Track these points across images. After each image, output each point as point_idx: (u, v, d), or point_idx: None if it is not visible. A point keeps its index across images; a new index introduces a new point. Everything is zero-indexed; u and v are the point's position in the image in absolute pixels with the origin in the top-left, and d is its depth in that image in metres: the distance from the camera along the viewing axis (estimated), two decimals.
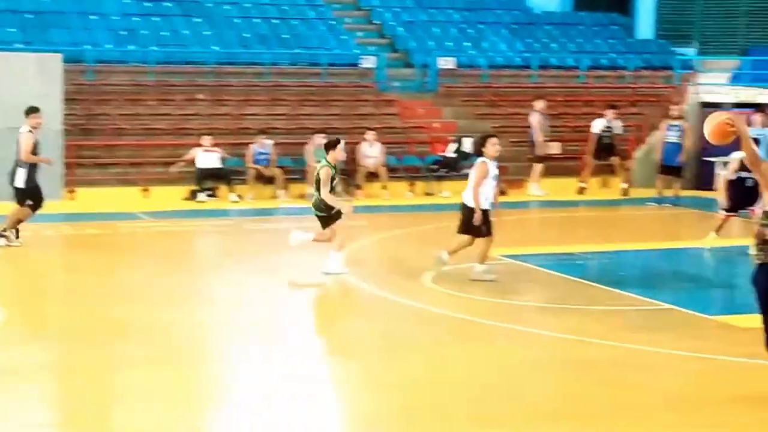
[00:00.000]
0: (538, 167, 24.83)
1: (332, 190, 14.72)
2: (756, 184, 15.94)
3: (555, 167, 25.18)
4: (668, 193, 23.37)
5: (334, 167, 14.80)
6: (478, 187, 14.41)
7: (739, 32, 31.94)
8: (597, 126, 24.84)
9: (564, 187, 24.58)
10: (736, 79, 28.68)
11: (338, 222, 14.88)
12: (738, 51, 31.23)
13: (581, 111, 27.46)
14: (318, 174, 14.78)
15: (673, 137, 23.69)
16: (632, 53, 30.99)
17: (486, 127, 26.69)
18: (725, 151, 25.49)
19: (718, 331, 12.12)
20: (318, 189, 14.73)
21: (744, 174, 16.49)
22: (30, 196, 17.04)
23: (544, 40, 31.47)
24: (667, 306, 13.26)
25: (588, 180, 24.93)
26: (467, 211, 14.56)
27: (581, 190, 24.68)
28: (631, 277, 15.27)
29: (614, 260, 16.53)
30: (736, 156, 20.99)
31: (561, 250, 17.22)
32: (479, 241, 14.65)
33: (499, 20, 32.02)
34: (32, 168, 17.02)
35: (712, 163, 25.73)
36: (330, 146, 14.89)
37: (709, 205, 23.39)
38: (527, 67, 29.57)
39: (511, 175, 25.34)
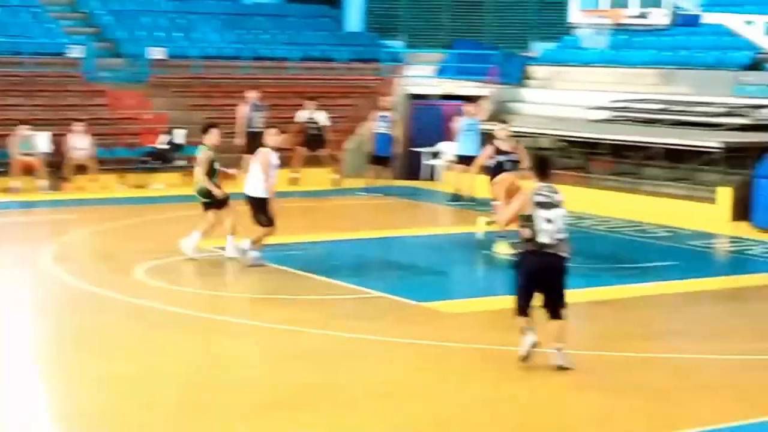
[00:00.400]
0: (246, 157, 24.58)
1: (213, 174, 15.27)
2: (513, 167, 16.45)
3: None
4: (378, 182, 23.82)
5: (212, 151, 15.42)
6: (268, 176, 14.96)
7: (444, 26, 32.88)
8: (301, 118, 25.04)
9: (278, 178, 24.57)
10: (442, 72, 29.51)
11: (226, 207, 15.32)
12: (443, 44, 32.13)
13: (293, 102, 27.56)
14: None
15: (382, 128, 24.16)
16: (342, 45, 31.38)
17: (198, 118, 26.47)
18: (432, 141, 26.37)
19: (425, 316, 12.41)
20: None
21: (501, 158, 16.88)
22: None
23: (255, 31, 31.43)
24: (379, 294, 13.50)
25: (299, 171, 25.07)
26: (254, 202, 15.00)
27: (293, 181, 24.80)
28: (344, 266, 15.45)
29: (327, 250, 16.69)
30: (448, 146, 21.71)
31: (275, 241, 17.22)
32: (257, 228, 14.94)
33: (211, 10, 31.77)
34: None
35: (420, 153, 26.44)
36: (204, 131, 15.65)
37: (417, 194, 24.06)
38: (239, 58, 29.47)
39: (222, 167, 25.14)
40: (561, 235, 10.46)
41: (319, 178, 24.92)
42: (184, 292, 13.28)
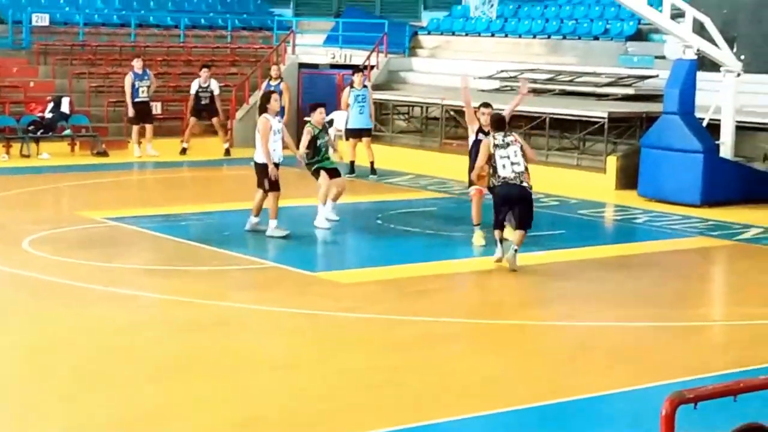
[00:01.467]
0: (135, 128, 24.30)
1: (319, 152, 15.88)
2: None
3: (158, 128, 24.86)
4: None
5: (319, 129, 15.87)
6: (267, 143, 14.97)
7: None
8: (194, 87, 24.75)
9: (168, 148, 24.35)
10: (331, 40, 29.45)
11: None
12: (332, 13, 32.06)
13: (182, 71, 27.32)
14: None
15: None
16: (231, 13, 31.12)
17: (84, 86, 26.08)
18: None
19: (319, 286, 12.44)
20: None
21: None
22: None
23: None
24: (270, 264, 13.48)
25: (190, 140, 24.82)
26: (260, 167, 15.18)
27: (184, 151, 24.55)
28: (236, 236, 15.35)
29: (219, 220, 16.59)
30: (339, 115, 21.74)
31: (166, 211, 17.09)
32: (269, 197, 15.09)
33: None
34: None
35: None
36: (311, 109, 16.07)
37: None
38: (126, 25, 29.04)
39: (112, 136, 24.87)
40: (519, 168, 13.34)
41: (210, 147, 24.72)
42: (73, 264, 13.09)
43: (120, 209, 16.98)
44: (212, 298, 11.52)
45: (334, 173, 16.22)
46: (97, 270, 12.90)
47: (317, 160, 15.99)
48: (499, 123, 13.76)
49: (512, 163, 13.33)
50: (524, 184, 13.31)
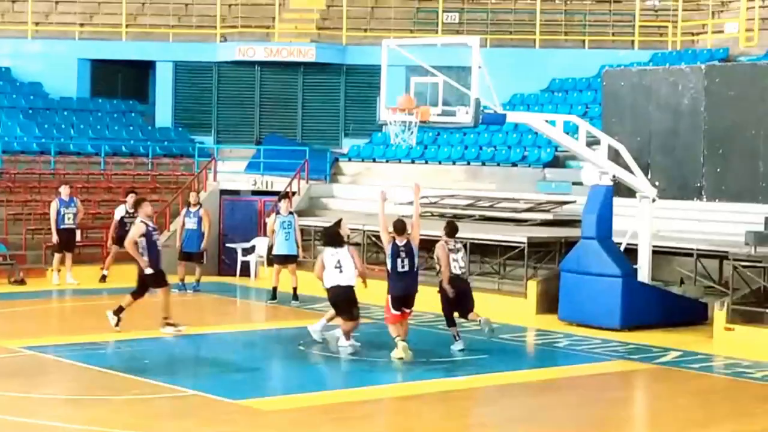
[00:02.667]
0: (57, 255, 24.13)
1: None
2: None
3: (78, 255, 24.65)
4: (190, 279, 23.57)
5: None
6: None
7: (254, 122, 33.06)
8: (119, 213, 24.66)
9: (87, 275, 24.14)
10: (252, 167, 29.62)
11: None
12: (253, 140, 32.31)
13: (102, 198, 27.24)
14: None
15: (191, 224, 23.90)
16: (152, 140, 31.20)
17: (2, 214, 25.84)
18: (245, 237, 26.35)
19: (241, 414, 12.30)
20: None
21: None
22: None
23: (62, 126, 30.96)
24: (191, 392, 13.31)
25: (110, 267, 24.61)
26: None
27: (103, 278, 24.34)
28: (155, 364, 15.18)
29: (138, 348, 16.39)
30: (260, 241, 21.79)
31: (84, 339, 16.86)
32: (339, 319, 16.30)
33: (14, 104, 31.16)
34: None
35: (233, 249, 26.36)
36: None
37: (231, 290, 23.94)
38: (45, 152, 28.95)
39: (30, 264, 24.61)
40: (465, 269, 16.69)
41: (130, 274, 24.44)
42: None
43: (38, 338, 16.72)
44: (133, 428, 11.33)
45: None
46: (15, 400, 12.65)
47: None
48: (451, 229, 16.71)
49: (461, 267, 16.45)
50: (467, 280, 16.99)
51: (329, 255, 16.03)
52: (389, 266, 15.90)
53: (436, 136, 29.15)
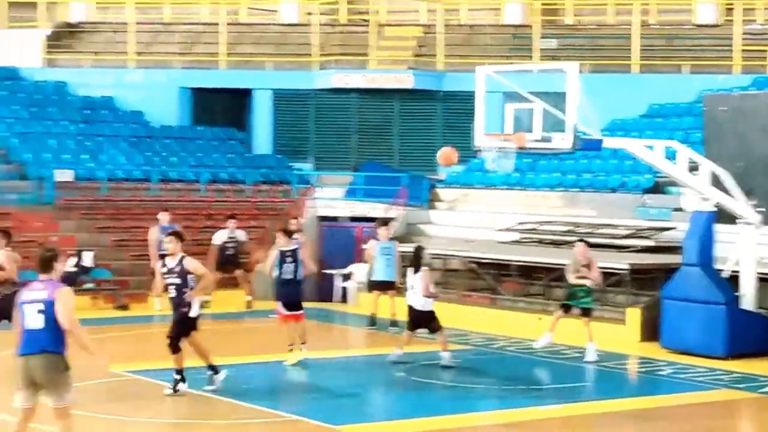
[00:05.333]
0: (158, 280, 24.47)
1: None
2: None
3: None
4: None
5: None
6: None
7: (352, 149, 33.24)
8: (219, 238, 24.97)
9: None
10: (350, 194, 29.77)
11: None
12: (351, 167, 32.47)
13: (203, 224, 27.55)
14: None
15: None
16: (250, 168, 31.53)
17: (106, 240, 26.31)
18: (343, 263, 26.47)
19: None
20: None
21: None
22: None
23: (163, 153, 31.43)
24: (291, 417, 13.39)
25: (212, 293, 24.87)
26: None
27: (206, 304, 24.57)
28: (256, 389, 15.31)
29: (239, 373, 16.53)
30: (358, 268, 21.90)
31: (186, 364, 17.03)
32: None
33: (118, 133, 31.76)
34: None
35: (331, 275, 26.50)
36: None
37: (329, 316, 24.05)
38: (147, 180, 29.44)
39: (133, 289, 24.99)
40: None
41: (232, 299, 24.81)
42: (91, 417, 13.02)
43: (141, 362, 16.96)
44: None
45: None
46: (119, 424, 12.84)
47: None
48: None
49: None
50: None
51: (408, 277, 17.46)
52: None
53: (533, 162, 29.03)
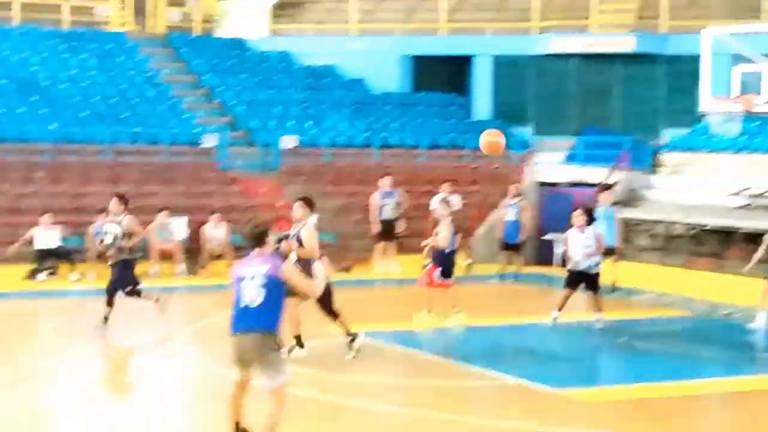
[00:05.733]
0: (379, 245, 24.94)
1: None
2: None
3: (400, 245, 25.32)
4: (510, 269, 23.80)
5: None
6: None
7: (572, 113, 32.91)
8: (436, 202, 25.14)
9: (409, 264, 24.75)
10: (571, 158, 29.49)
11: None
12: (572, 131, 32.14)
13: (423, 190, 27.78)
14: None
15: (512, 215, 24.15)
16: (470, 133, 31.57)
17: (330, 205, 26.84)
18: (562, 228, 26.24)
19: (561, 404, 12.30)
20: None
21: None
22: None
23: (384, 120, 31.87)
24: (512, 380, 13.41)
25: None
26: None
27: (425, 267, 24.82)
28: (477, 352, 15.40)
29: (461, 336, 16.67)
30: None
31: (408, 326, 17.29)
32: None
33: (341, 100, 32.35)
34: None
35: (551, 240, 26.32)
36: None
37: (549, 280, 23.90)
38: (369, 146, 29.88)
39: (356, 252, 25.45)
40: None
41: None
42: (320, 377, 13.35)
43: (363, 324, 17.25)
44: (450, 412, 11.53)
45: None
46: (342, 383, 13.13)
47: None
48: None
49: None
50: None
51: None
52: None
53: (761, 125, 28.09)
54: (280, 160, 28.32)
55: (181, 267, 23.60)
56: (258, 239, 9.75)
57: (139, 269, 22.81)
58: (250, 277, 9.53)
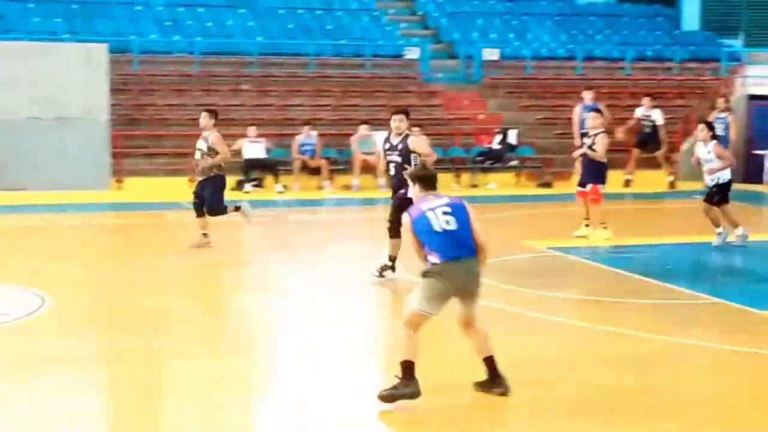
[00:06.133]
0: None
1: None
2: None
3: None
4: None
5: None
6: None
7: None
8: (636, 114, 24.77)
9: (611, 180, 24.36)
10: None
11: None
12: None
13: (627, 103, 27.25)
14: None
15: (719, 130, 23.41)
16: (678, 45, 30.74)
17: (531, 118, 26.65)
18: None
19: (765, 325, 11.98)
20: None
21: None
22: None
23: (588, 32, 31.29)
24: (713, 300, 13.13)
25: (633, 172, 24.74)
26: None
27: (627, 183, 24.49)
28: (678, 270, 15.13)
29: (662, 253, 16.39)
30: None
31: (607, 242, 17.10)
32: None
33: (544, 11, 31.88)
34: None
35: (762, 156, 25.52)
36: None
37: (759, 198, 23.20)
38: (572, 58, 29.41)
39: (557, 167, 25.22)
40: None
41: (653, 179, 24.51)
42: (514, 291, 13.37)
43: (562, 239, 17.16)
44: (647, 331, 11.36)
45: None
46: (538, 298, 13.11)
47: None
48: None
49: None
50: None
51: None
52: None
53: None
54: (482, 73, 28.16)
55: (382, 180, 23.85)
56: (431, 182, 9.06)
57: (340, 181, 23.33)
58: (433, 208, 8.83)
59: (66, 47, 24.05)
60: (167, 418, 8.72)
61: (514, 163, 25.06)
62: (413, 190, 9.14)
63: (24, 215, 19.87)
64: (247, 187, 23.24)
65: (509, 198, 22.63)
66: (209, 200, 16.06)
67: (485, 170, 24.88)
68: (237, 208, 16.51)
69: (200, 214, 16.20)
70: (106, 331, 11.52)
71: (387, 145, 13.85)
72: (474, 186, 24.50)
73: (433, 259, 8.77)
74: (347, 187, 23.80)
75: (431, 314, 8.82)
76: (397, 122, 13.75)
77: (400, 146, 13.69)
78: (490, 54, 28.55)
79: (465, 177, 24.84)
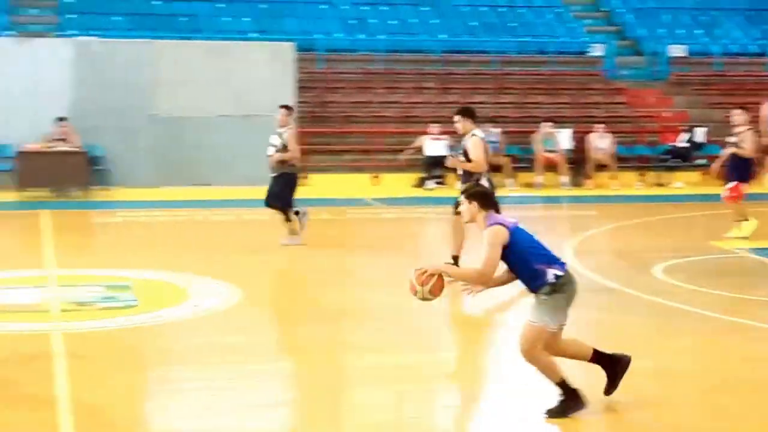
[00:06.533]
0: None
1: None
2: None
3: None
4: None
5: None
6: None
7: None
8: None
9: None
10: None
11: None
12: None
13: None
14: None
15: None
16: None
17: (719, 116, 25.99)
18: None
19: None
20: None
21: None
22: None
23: None
24: None
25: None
26: None
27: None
28: None
29: None
30: None
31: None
32: None
33: (735, 6, 31.05)
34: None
35: None
36: None
37: None
38: (764, 54, 28.58)
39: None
40: None
41: None
42: (702, 292, 13.05)
43: (757, 241, 16.66)
44: None
45: None
46: (729, 300, 12.76)
47: None
48: None
49: None
50: None
51: None
52: None
53: None
54: (669, 69, 27.61)
55: (565, 178, 23.64)
56: (490, 202, 8.35)
57: (522, 178, 23.20)
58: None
59: (254, 46, 24.57)
60: (352, 409, 8.78)
61: (701, 161, 24.48)
62: (469, 210, 8.30)
63: (213, 210, 20.36)
64: (430, 184, 23.32)
65: (697, 197, 22.12)
66: (276, 194, 15.98)
67: (671, 169, 24.37)
68: (297, 213, 16.29)
69: (284, 216, 16.08)
70: (293, 324, 11.70)
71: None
72: (659, 185, 24.02)
73: (556, 271, 8.47)
74: (530, 185, 23.65)
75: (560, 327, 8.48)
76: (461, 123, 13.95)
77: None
78: (677, 50, 27.97)
79: (650, 175, 24.38)
